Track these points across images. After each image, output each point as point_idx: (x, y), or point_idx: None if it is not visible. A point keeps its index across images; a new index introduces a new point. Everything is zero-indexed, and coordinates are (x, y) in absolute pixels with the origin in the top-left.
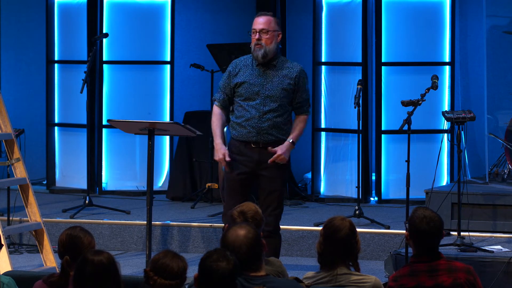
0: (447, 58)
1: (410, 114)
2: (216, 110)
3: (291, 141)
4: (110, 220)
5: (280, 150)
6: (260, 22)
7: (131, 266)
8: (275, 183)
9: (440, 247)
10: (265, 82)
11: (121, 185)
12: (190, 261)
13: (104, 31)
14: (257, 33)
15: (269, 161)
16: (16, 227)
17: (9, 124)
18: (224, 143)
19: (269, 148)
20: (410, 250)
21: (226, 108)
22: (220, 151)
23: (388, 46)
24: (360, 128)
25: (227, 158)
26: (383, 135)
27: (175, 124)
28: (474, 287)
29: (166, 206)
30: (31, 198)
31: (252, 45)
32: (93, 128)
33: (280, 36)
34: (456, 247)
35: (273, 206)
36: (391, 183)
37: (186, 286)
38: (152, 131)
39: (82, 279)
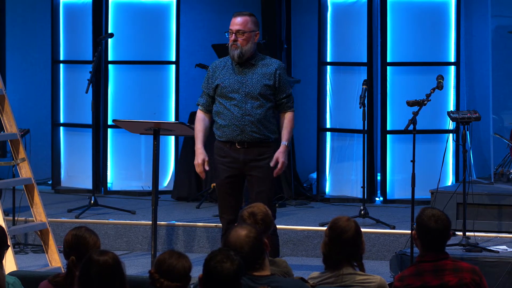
0: (452, 58)
1: (416, 114)
2: (200, 116)
3: (285, 144)
4: (115, 220)
5: (281, 157)
6: (236, 23)
7: (136, 266)
8: (264, 183)
9: (445, 247)
10: (244, 80)
11: (126, 185)
12: (195, 261)
13: (109, 31)
14: (233, 34)
15: (274, 173)
16: (21, 227)
17: (14, 124)
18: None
19: (271, 163)
20: (415, 250)
21: (210, 112)
22: (201, 156)
23: (393, 46)
24: (365, 128)
25: (206, 167)
26: (388, 135)
27: (180, 124)
28: (480, 287)
29: (171, 206)
30: (37, 198)
31: (229, 45)
32: (99, 128)
33: (258, 35)
34: (461, 247)
35: None
36: (396, 183)
37: (191, 286)
38: (157, 131)
39: (87, 280)
